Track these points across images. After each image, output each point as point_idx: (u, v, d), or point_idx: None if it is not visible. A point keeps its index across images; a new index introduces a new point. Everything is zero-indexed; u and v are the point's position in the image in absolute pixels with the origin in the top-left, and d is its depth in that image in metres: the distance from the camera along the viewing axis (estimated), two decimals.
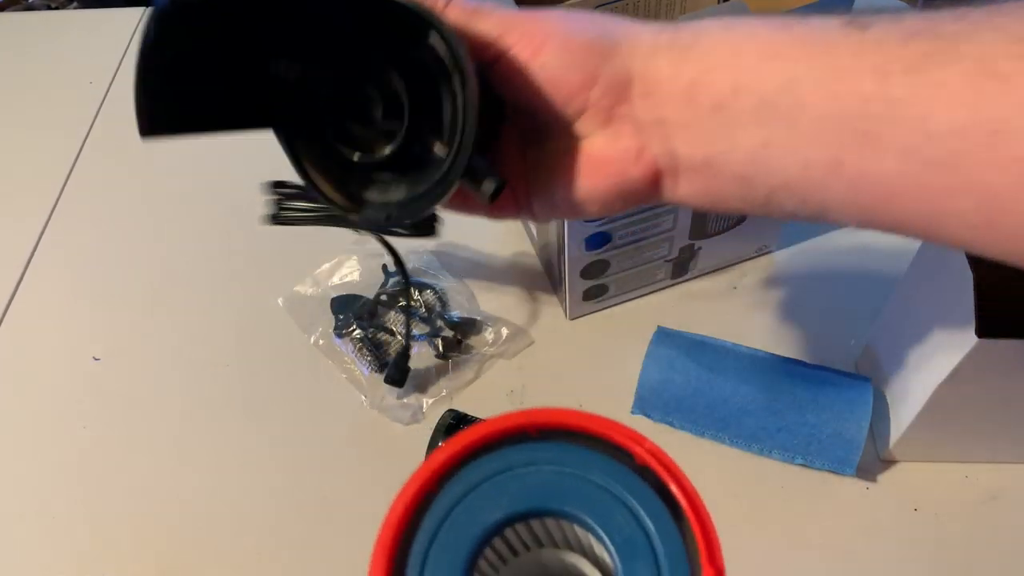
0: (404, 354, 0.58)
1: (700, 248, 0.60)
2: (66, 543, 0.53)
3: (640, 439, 0.24)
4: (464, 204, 0.34)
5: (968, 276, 0.41)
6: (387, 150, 0.30)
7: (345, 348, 0.60)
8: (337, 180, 0.32)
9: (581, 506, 0.24)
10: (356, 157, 0.31)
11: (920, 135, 0.23)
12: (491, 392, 0.58)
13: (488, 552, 0.24)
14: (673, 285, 0.63)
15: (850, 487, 0.52)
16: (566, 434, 0.25)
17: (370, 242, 0.67)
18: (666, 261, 0.60)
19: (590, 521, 0.23)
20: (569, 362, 0.59)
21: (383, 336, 0.61)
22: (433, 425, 0.52)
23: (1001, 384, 0.45)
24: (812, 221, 0.28)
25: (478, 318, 0.61)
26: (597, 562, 0.26)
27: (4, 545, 0.54)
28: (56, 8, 1.21)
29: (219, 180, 0.75)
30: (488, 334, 0.61)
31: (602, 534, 0.23)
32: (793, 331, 0.59)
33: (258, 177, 0.75)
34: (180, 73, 0.28)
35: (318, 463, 0.56)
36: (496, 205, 0.31)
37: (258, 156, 0.78)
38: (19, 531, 0.54)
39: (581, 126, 0.30)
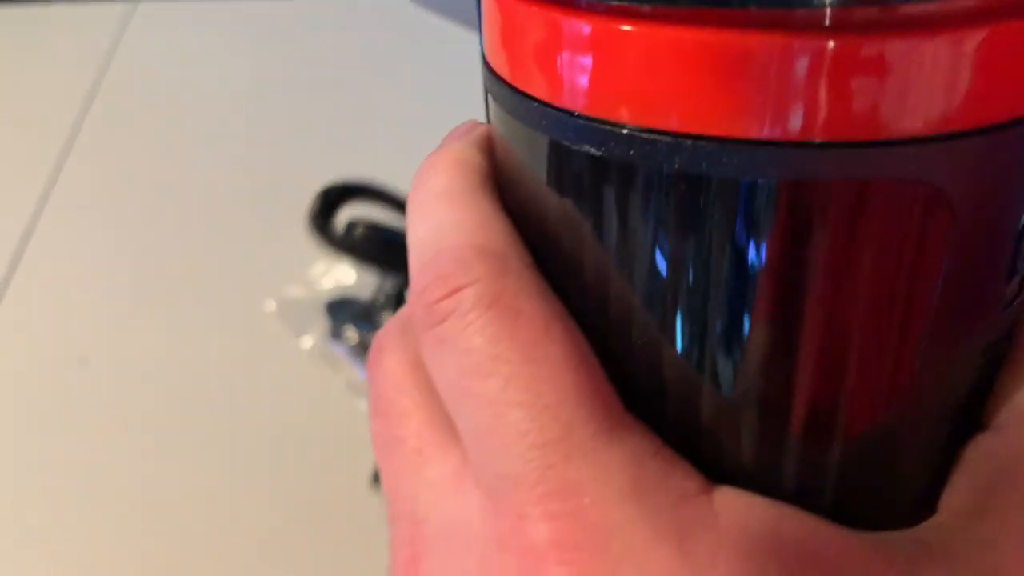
0: None
1: None
2: (53, 549, 0.52)
3: None
4: None
5: None
6: None
7: (342, 352, 0.59)
8: None
9: None
10: None
11: None
12: None
13: None
14: None
15: None
16: None
17: None
18: None
19: None
20: None
21: None
22: None
23: None
24: None
25: None
26: None
27: None
28: (46, 1, 1.19)
29: (211, 179, 0.74)
30: None
31: None
32: None
33: (252, 178, 0.74)
34: None
35: (313, 468, 0.55)
36: None
37: (252, 156, 0.77)
38: (5, 536, 0.53)
39: None
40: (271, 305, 0.63)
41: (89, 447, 0.57)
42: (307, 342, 0.60)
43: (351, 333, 0.60)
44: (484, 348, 0.13)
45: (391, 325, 0.16)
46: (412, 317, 0.14)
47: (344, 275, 0.64)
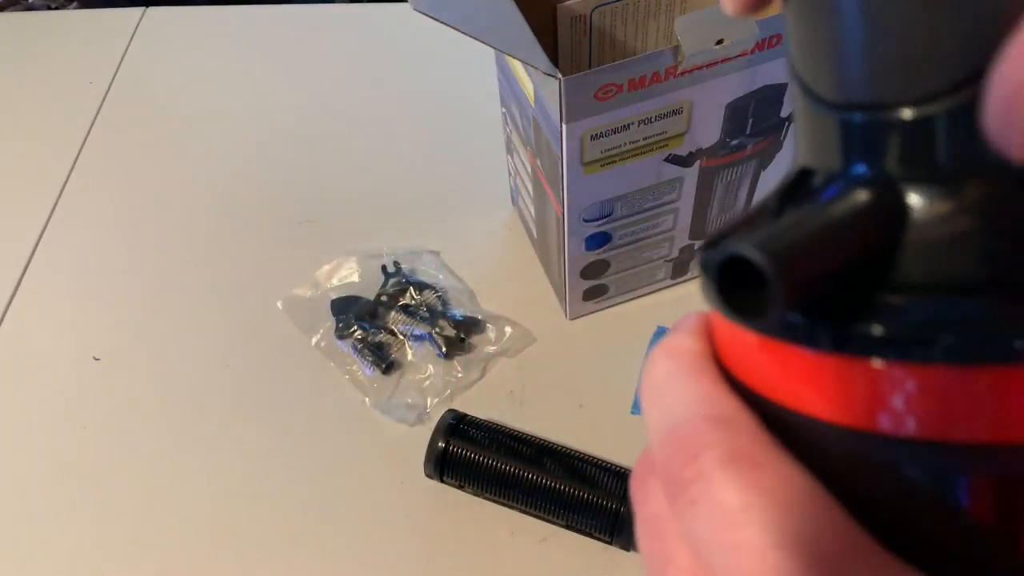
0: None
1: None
2: (66, 543, 0.53)
3: None
4: None
5: None
6: None
7: (347, 349, 0.60)
8: None
9: None
10: None
11: None
12: (492, 392, 0.58)
13: None
14: (673, 285, 0.63)
15: None
16: None
17: (368, 242, 0.68)
18: (666, 261, 0.60)
19: None
20: (569, 362, 0.59)
21: (384, 337, 0.61)
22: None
23: None
24: None
25: (480, 317, 0.61)
26: None
27: (4, 545, 0.54)
28: (56, 8, 1.21)
29: (219, 181, 0.75)
30: (491, 333, 0.61)
31: None
32: None
33: (261, 181, 0.76)
34: None
35: (320, 463, 0.56)
36: None
37: (261, 160, 0.78)
38: (19, 531, 0.54)
39: None
40: (280, 304, 0.64)
41: (101, 442, 0.58)
42: (314, 339, 0.61)
43: (356, 331, 0.61)
44: (735, 500, 0.14)
45: (644, 467, 0.18)
46: (661, 483, 0.16)
47: (348, 276, 0.65)
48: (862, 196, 0.14)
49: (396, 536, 0.52)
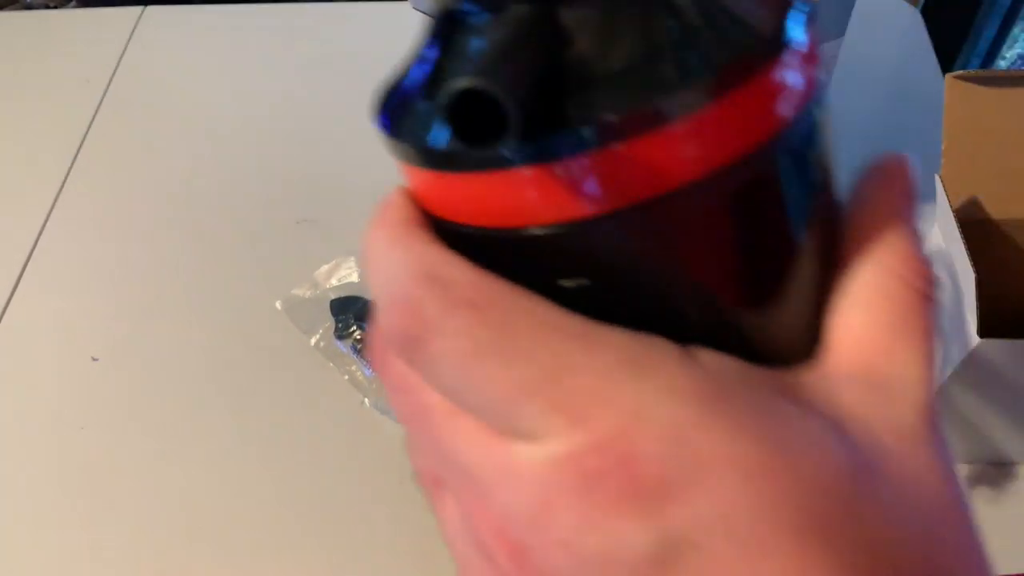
0: None
1: None
2: (64, 543, 0.53)
3: None
4: None
5: (970, 275, 0.41)
6: None
7: (346, 350, 0.60)
8: None
9: None
10: None
11: None
12: None
13: None
14: None
15: None
16: None
17: None
18: None
19: None
20: None
21: None
22: None
23: (1004, 384, 0.45)
24: None
25: None
26: None
27: (4, 545, 0.53)
28: (54, 8, 1.21)
29: (218, 181, 0.75)
30: None
31: None
32: None
33: (259, 180, 0.75)
34: None
35: (319, 464, 0.56)
36: None
37: (260, 159, 0.78)
38: (18, 531, 0.54)
39: None
40: (279, 305, 0.64)
41: (100, 442, 0.58)
42: (313, 340, 0.61)
43: (355, 331, 0.61)
44: (467, 343, 0.15)
45: (378, 340, 0.19)
46: (396, 349, 0.17)
47: (347, 276, 0.65)
48: (524, 11, 0.15)
49: (396, 536, 0.52)
